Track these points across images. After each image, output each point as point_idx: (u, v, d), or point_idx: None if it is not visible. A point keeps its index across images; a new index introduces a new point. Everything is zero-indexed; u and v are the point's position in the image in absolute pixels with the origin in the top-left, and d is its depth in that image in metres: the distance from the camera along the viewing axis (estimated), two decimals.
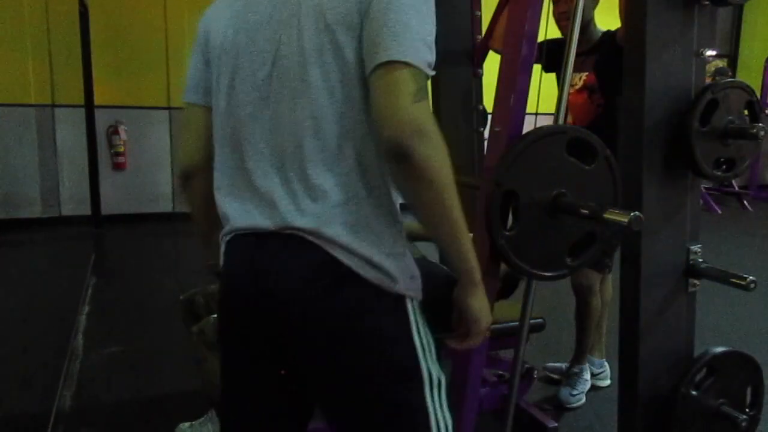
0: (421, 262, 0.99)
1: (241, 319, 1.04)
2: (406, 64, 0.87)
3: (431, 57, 0.91)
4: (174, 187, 6.01)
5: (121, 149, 5.72)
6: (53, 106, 5.49)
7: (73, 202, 5.64)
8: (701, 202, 1.85)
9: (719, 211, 6.90)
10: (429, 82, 0.92)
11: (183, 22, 5.76)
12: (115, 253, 5.07)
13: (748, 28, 8.52)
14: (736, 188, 7.49)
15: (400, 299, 0.99)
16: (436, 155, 0.87)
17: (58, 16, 5.33)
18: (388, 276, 0.96)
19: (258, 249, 0.98)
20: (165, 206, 6.00)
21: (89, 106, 5.36)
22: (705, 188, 7.03)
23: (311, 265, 0.94)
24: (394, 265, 0.97)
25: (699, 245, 1.64)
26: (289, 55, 0.96)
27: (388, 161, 0.91)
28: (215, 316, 1.83)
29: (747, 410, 1.67)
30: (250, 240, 0.99)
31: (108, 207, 5.60)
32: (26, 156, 5.47)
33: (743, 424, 1.60)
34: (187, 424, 2.12)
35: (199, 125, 1.11)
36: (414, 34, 0.89)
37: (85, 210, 5.53)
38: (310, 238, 0.94)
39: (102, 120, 5.56)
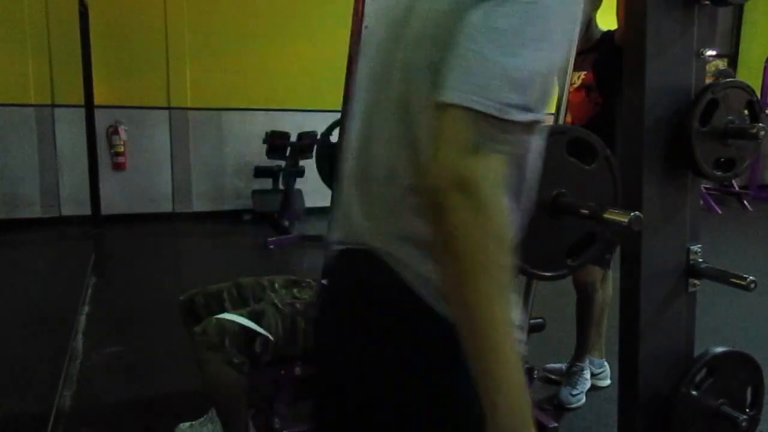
0: None
1: (320, 326, 1.02)
2: (466, 108, 0.67)
3: (518, 97, 0.67)
4: (174, 186, 6.01)
5: (121, 149, 5.72)
6: (53, 106, 5.48)
7: (73, 202, 5.63)
8: (701, 202, 1.85)
9: (719, 211, 6.89)
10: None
11: (183, 22, 5.76)
12: (115, 253, 5.07)
13: (748, 28, 8.52)
14: (736, 188, 7.49)
15: None
16: (476, 225, 0.65)
17: (58, 16, 5.32)
18: None
19: (336, 261, 0.94)
20: (165, 206, 6.00)
21: (89, 106, 5.35)
22: (705, 188, 7.03)
23: (380, 286, 0.84)
24: None
25: (699, 245, 1.64)
26: (386, 64, 0.84)
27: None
28: (217, 317, 1.83)
29: (747, 410, 1.67)
30: (336, 252, 0.94)
31: (108, 207, 5.59)
32: (26, 156, 5.46)
33: (743, 424, 1.60)
34: (187, 424, 2.12)
35: None
36: (490, 68, 0.67)
37: (85, 210, 5.51)
38: (382, 256, 0.82)
39: (102, 120, 5.55)
